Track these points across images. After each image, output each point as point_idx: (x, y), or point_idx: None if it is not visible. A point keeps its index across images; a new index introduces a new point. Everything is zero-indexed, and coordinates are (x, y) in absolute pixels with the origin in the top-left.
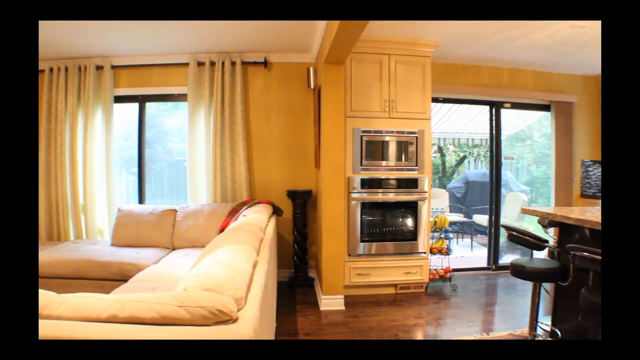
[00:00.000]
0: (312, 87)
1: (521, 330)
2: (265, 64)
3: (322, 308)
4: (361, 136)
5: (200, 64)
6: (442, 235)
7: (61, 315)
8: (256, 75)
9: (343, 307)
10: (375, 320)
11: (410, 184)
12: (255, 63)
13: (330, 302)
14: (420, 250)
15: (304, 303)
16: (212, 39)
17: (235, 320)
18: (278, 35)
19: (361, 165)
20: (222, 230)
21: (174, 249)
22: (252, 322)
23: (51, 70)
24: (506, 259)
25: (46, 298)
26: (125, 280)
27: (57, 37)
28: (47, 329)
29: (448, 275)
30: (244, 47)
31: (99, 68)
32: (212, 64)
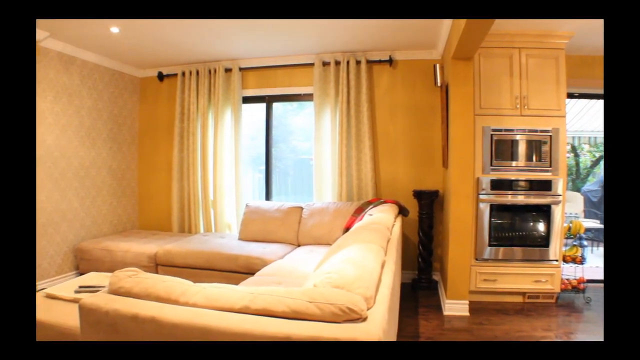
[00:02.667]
0: (438, 84)
1: None
2: (390, 62)
3: (445, 313)
4: (491, 135)
5: (325, 64)
6: (576, 243)
7: (196, 303)
8: (381, 74)
9: (467, 313)
10: (501, 330)
11: (543, 186)
12: (380, 61)
13: (454, 307)
14: (551, 258)
15: (426, 306)
16: (336, 38)
17: (364, 319)
18: (402, 32)
19: (491, 165)
20: (347, 229)
21: (299, 246)
22: (381, 322)
23: (183, 74)
24: None
25: (184, 286)
26: (252, 274)
27: (188, 43)
28: (184, 316)
29: (582, 286)
30: (369, 46)
31: (228, 70)
32: (337, 63)
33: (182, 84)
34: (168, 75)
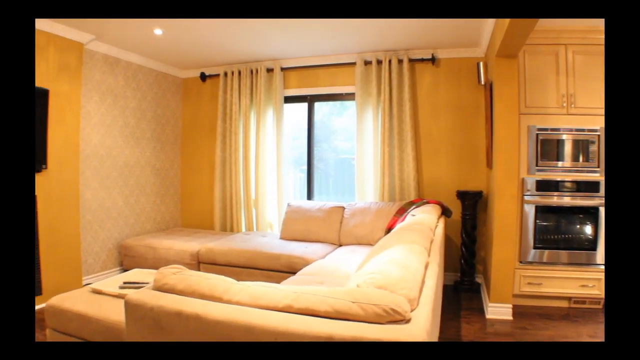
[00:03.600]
0: (482, 82)
1: None
2: (432, 60)
3: (487, 316)
4: (536, 134)
5: (367, 63)
6: None
7: (240, 301)
8: (423, 72)
9: (510, 317)
10: (546, 335)
11: (590, 187)
12: (422, 60)
13: (497, 311)
14: (598, 262)
15: (468, 309)
16: (377, 37)
17: (408, 321)
18: (445, 30)
19: (536, 165)
20: (389, 229)
21: (340, 245)
22: (425, 324)
23: (225, 74)
24: None
25: (227, 284)
26: (293, 273)
27: (230, 44)
28: (228, 313)
29: None
30: (410, 44)
31: (269, 70)
32: (379, 62)
33: (225, 84)
34: (210, 76)
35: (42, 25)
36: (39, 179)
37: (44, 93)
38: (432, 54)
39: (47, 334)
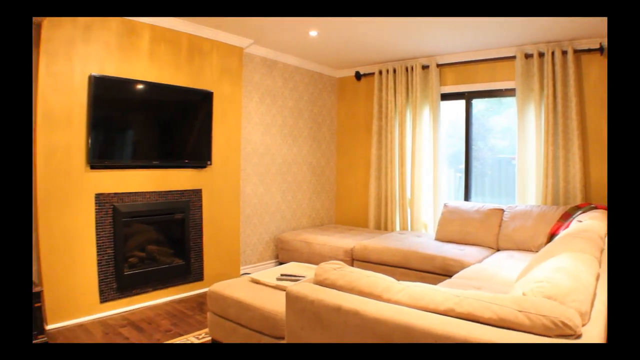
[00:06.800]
0: None
1: None
2: (601, 50)
3: None
4: None
5: (528, 56)
6: None
7: (399, 300)
8: (590, 64)
9: None
10: None
11: None
12: (588, 50)
13: None
14: None
15: None
16: (539, 28)
17: (578, 336)
18: None
19: None
20: (552, 235)
21: (498, 250)
22: (599, 341)
23: (380, 72)
24: None
25: (387, 283)
26: (447, 275)
27: (384, 42)
28: (387, 312)
29: None
30: (576, 34)
31: (425, 67)
32: (541, 55)
33: (380, 83)
34: (365, 75)
35: (206, 32)
36: (204, 174)
37: (209, 95)
38: (601, 43)
39: (208, 317)
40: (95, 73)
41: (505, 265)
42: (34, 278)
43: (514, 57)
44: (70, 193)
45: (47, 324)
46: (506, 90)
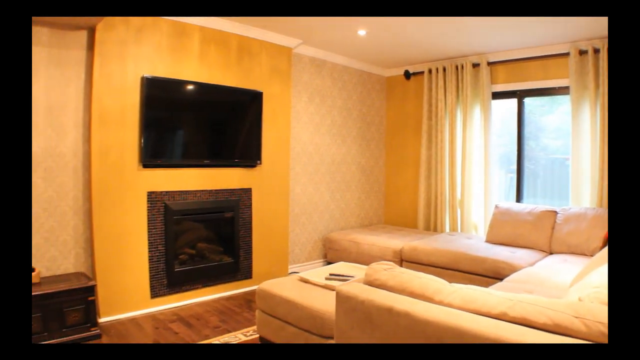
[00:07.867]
0: None
1: None
2: None
3: None
4: None
5: (582, 53)
6: None
7: (451, 303)
8: None
9: None
10: None
11: None
12: None
13: None
14: None
15: None
16: (593, 22)
17: None
18: None
19: None
20: (607, 239)
21: (550, 253)
22: None
23: (430, 71)
24: None
25: (438, 285)
26: (497, 278)
27: (433, 41)
28: (438, 314)
29: None
30: None
31: (475, 66)
32: (596, 51)
33: (429, 82)
34: (414, 73)
35: (255, 33)
36: (254, 173)
37: (259, 95)
38: None
39: (256, 315)
40: (147, 74)
41: (559, 269)
42: (88, 273)
43: (567, 54)
44: (124, 191)
45: (99, 317)
46: (560, 88)
